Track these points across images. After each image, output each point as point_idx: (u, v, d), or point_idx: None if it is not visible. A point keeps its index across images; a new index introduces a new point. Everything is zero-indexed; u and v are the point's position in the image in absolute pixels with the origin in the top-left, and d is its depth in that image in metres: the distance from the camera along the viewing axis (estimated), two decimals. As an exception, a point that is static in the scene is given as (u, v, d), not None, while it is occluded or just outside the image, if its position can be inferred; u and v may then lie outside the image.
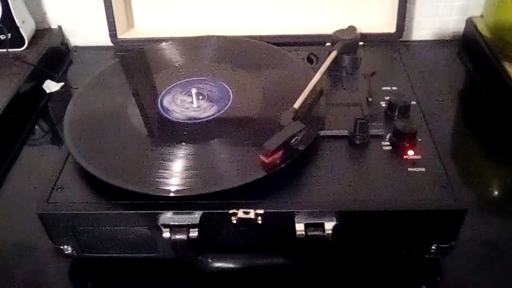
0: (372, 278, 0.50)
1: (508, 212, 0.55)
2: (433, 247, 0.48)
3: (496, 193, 0.59)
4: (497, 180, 0.60)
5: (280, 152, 0.47)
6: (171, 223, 0.46)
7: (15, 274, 0.51)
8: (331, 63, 0.61)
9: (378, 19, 0.79)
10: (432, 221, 0.46)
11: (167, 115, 0.56)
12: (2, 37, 0.77)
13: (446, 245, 0.48)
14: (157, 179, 0.47)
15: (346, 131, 0.53)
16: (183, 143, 0.51)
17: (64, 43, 0.86)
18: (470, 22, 0.79)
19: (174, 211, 0.46)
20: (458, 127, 0.67)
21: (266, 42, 0.68)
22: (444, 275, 0.50)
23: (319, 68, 0.59)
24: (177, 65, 0.65)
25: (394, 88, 0.60)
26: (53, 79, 0.77)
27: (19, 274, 0.51)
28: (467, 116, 0.69)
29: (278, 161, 0.47)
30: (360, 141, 0.52)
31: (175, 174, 0.48)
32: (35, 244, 0.53)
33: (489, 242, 0.52)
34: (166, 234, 0.46)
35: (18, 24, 0.77)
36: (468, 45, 0.80)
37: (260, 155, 0.47)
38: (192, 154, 0.50)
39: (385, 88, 0.60)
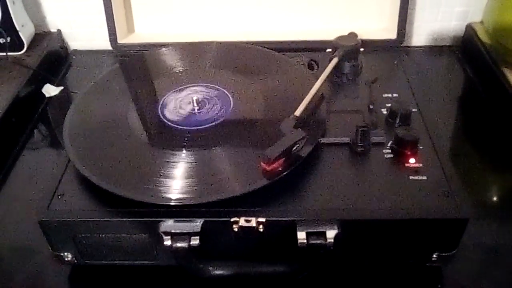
0: (373, 286, 0.50)
1: (510, 218, 0.55)
2: (434, 256, 0.48)
3: (497, 199, 0.59)
4: (498, 187, 0.60)
5: (281, 160, 0.47)
6: (172, 231, 0.45)
7: (15, 280, 0.51)
8: (332, 70, 0.61)
9: (379, 25, 0.79)
10: (434, 229, 0.46)
11: (167, 122, 0.56)
12: (2, 40, 0.77)
13: (447, 254, 0.48)
14: (158, 187, 0.47)
15: (347, 138, 0.53)
16: (184, 150, 0.51)
17: (64, 46, 0.85)
18: (470, 28, 0.80)
19: (175, 219, 0.46)
20: (459, 134, 0.67)
21: (267, 48, 0.68)
22: (445, 281, 0.50)
23: (320, 75, 0.59)
24: (178, 71, 0.65)
25: (395, 95, 0.60)
26: (52, 83, 0.77)
27: (19, 281, 0.51)
28: (468, 122, 0.69)
29: (279, 169, 0.47)
30: (361, 148, 0.52)
31: (176, 182, 0.48)
32: (34, 250, 0.53)
33: (491, 248, 0.52)
34: (167, 242, 0.46)
35: (17, 27, 0.76)
36: (468, 51, 0.80)
37: (262, 163, 0.47)
38: (193, 162, 0.50)
39: (386, 95, 0.60)
